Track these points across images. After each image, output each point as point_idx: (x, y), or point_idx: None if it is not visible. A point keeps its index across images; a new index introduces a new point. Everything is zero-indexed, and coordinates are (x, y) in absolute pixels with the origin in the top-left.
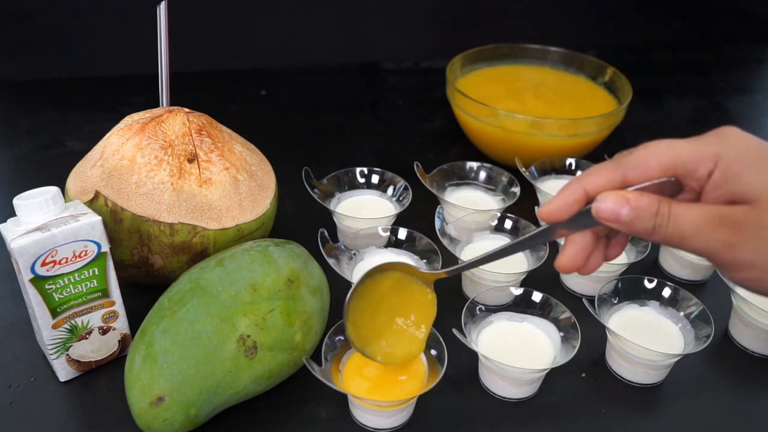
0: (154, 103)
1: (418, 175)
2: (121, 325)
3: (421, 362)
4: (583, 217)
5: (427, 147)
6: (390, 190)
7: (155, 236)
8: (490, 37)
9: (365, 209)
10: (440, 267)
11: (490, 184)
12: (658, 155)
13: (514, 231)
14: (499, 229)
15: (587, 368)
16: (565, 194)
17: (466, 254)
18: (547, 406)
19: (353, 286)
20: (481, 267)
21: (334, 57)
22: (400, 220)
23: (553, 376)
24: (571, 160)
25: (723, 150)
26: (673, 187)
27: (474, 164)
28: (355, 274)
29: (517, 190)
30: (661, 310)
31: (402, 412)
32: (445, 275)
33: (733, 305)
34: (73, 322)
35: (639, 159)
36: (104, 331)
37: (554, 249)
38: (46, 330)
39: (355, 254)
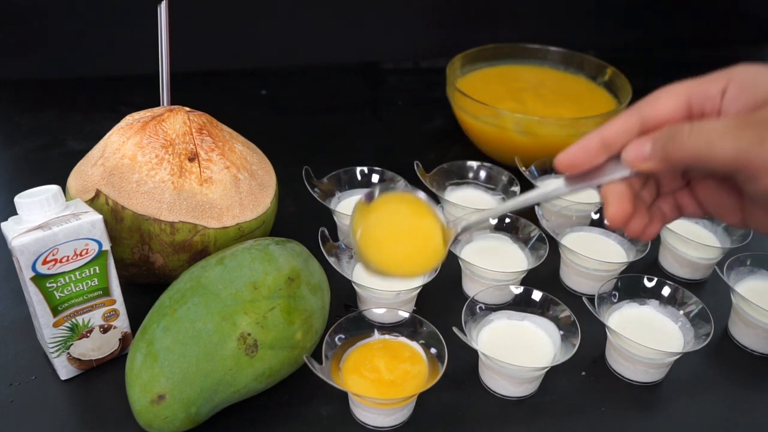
0: (154, 103)
1: (418, 174)
2: (122, 323)
3: (421, 360)
4: (610, 169)
5: (427, 147)
6: None
7: (156, 235)
8: (490, 37)
9: None
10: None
11: (490, 184)
12: (669, 89)
13: (514, 230)
14: (498, 228)
15: (587, 367)
16: (582, 142)
17: (466, 253)
18: (546, 405)
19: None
20: (480, 266)
21: (334, 57)
22: None
23: (552, 374)
24: None
25: (733, 71)
26: None
27: (474, 164)
28: (356, 272)
29: (517, 189)
30: (660, 309)
31: (402, 410)
32: (464, 226)
33: (733, 304)
34: (74, 320)
35: (651, 98)
36: (105, 330)
37: (554, 248)
38: (47, 328)
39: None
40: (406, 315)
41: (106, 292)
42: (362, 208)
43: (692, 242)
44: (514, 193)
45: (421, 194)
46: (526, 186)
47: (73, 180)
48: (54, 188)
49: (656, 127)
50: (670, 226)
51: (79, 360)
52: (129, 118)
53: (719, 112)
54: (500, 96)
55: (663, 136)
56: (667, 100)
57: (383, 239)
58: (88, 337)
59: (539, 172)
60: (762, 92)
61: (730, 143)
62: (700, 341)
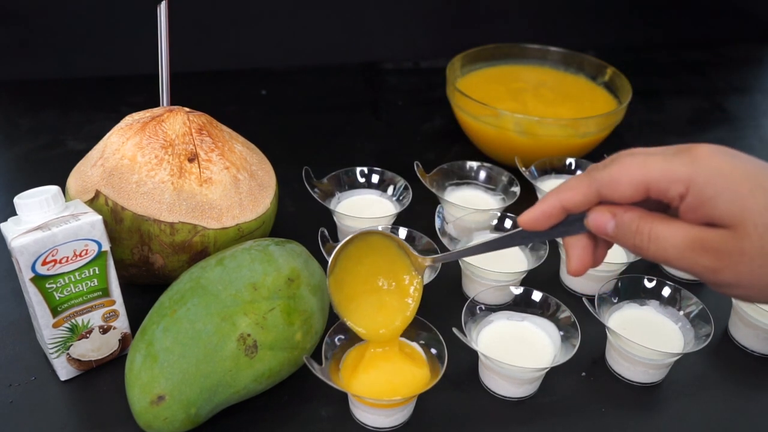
0: (155, 103)
1: (418, 174)
2: (122, 324)
3: (421, 361)
4: (572, 225)
5: (427, 147)
6: (390, 190)
7: (156, 235)
8: (490, 37)
9: (365, 209)
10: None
11: (490, 184)
12: (629, 173)
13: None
14: (499, 228)
15: (587, 367)
16: (543, 206)
17: None
18: (546, 405)
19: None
20: (480, 266)
21: (334, 57)
22: (400, 220)
23: (553, 375)
24: (571, 160)
25: (694, 173)
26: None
27: (474, 164)
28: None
29: (517, 189)
30: (660, 309)
31: (402, 411)
32: (432, 262)
33: (733, 304)
34: (73, 321)
35: (611, 176)
36: (105, 330)
37: (554, 248)
38: (46, 329)
39: None
40: None
41: (105, 292)
42: (334, 284)
43: None
44: (513, 194)
45: (381, 233)
46: (526, 186)
47: (72, 180)
48: (53, 189)
49: (611, 199)
50: None
51: (79, 361)
52: (129, 119)
53: (677, 209)
54: (500, 96)
55: (625, 228)
56: (627, 188)
57: (367, 318)
58: (87, 337)
59: (539, 173)
60: (720, 211)
61: (686, 266)
62: (700, 342)
